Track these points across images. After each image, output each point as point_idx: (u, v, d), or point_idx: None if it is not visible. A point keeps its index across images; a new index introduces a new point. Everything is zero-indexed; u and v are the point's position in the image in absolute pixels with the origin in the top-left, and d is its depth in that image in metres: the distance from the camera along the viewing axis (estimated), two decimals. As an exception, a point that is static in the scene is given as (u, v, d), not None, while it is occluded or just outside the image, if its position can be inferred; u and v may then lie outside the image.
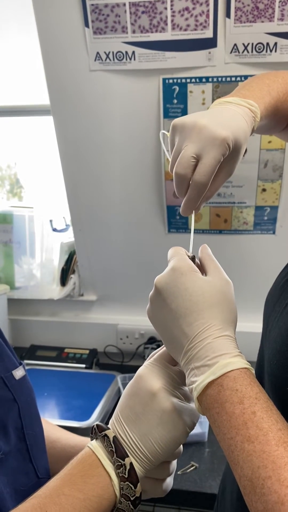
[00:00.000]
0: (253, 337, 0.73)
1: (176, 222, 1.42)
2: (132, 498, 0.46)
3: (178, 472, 1.06)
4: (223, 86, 1.21)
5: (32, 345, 1.64)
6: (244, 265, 1.47)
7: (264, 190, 1.33)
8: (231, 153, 0.52)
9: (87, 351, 1.58)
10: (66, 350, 1.60)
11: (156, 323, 0.50)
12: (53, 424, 0.76)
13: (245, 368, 0.42)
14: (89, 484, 0.46)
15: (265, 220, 1.38)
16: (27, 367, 1.51)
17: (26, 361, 1.56)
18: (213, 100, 1.23)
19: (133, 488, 0.46)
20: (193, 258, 0.52)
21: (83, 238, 1.53)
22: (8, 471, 0.56)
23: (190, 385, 0.44)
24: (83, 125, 1.33)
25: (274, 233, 1.40)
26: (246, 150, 0.56)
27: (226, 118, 0.53)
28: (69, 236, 1.64)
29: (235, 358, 0.42)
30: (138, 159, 1.35)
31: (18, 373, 0.63)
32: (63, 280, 1.63)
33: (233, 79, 1.20)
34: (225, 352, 0.43)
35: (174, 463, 0.55)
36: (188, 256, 0.51)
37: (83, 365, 1.53)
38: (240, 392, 0.40)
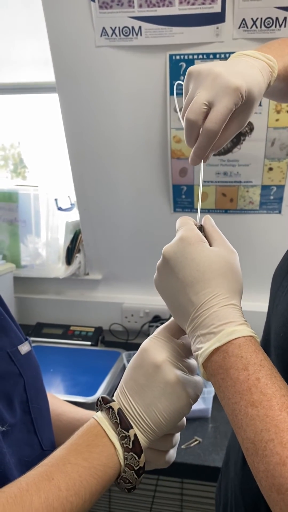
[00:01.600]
0: (258, 316, 0.74)
1: (181, 201, 1.42)
2: (136, 468, 0.48)
3: (182, 446, 1.08)
4: (230, 62, 1.19)
5: (38, 322, 1.66)
6: (250, 245, 1.47)
7: (270, 169, 1.32)
8: (244, 104, 0.52)
9: (93, 329, 1.60)
10: (72, 328, 1.62)
11: (163, 292, 0.51)
12: (59, 398, 0.78)
13: (250, 336, 0.43)
14: (94, 453, 0.47)
15: (271, 199, 1.37)
16: (33, 345, 1.54)
17: (32, 338, 1.59)
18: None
19: (137, 458, 0.48)
20: (200, 228, 0.52)
21: (88, 217, 1.53)
22: (13, 443, 0.58)
23: (196, 351, 0.45)
24: (88, 102, 1.31)
25: (280, 212, 1.39)
26: (260, 103, 0.56)
27: (241, 68, 0.53)
28: (74, 215, 1.64)
29: (241, 326, 0.43)
30: (144, 137, 1.34)
31: (24, 348, 0.64)
32: (69, 259, 1.64)
33: (241, 55, 1.18)
34: (231, 320, 0.44)
35: (177, 435, 0.56)
36: (196, 225, 0.52)
37: (89, 343, 1.55)
38: (245, 359, 0.41)
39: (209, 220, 0.53)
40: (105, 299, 1.66)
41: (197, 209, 1.44)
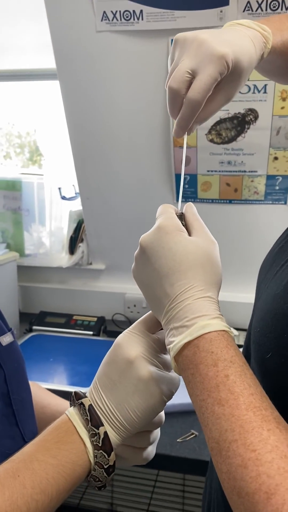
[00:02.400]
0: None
1: (185, 191, 1.39)
2: (105, 466, 0.47)
3: (178, 440, 1.07)
4: (234, 47, 1.15)
5: (42, 311, 1.66)
6: (254, 236, 1.43)
7: (276, 158, 1.28)
8: (231, 75, 0.49)
9: (95, 319, 1.60)
10: (74, 317, 1.62)
11: (140, 282, 0.49)
12: (44, 389, 0.77)
13: (223, 330, 0.41)
14: (63, 450, 0.46)
15: (277, 189, 1.34)
16: (36, 333, 1.55)
17: (35, 327, 1.59)
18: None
19: (106, 456, 0.46)
20: (181, 216, 0.50)
21: (91, 206, 1.51)
22: (-7, 435, 0.57)
23: (168, 345, 0.44)
24: (89, 89, 1.29)
25: (285, 203, 1.36)
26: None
27: (230, 36, 0.50)
28: (78, 205, 1.62)
29: (214, 320, 0.42)
30: (145, 125, 1.31)
31: (6, 339, 0.63)
32: (72, 249, 1.63)
33: (246, 39, 1.14)
34: (204, 313, 0.42)
35: (156, 432, 0.55)
36: (177, 214, 0.50)
37: (91, 332, 1.55)
38: (215, 355, 0.39)
39: (190, 208, 0.51)
40: (108, 289, 1.65)
41: (200, 199, 1.42)
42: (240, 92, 1.18)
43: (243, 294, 1.46)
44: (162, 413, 0.52)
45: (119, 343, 0.49)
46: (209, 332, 0.41)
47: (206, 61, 0.47)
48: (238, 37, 0.51)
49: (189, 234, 0.48)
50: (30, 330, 1.59)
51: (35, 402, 0.71)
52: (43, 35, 1.30)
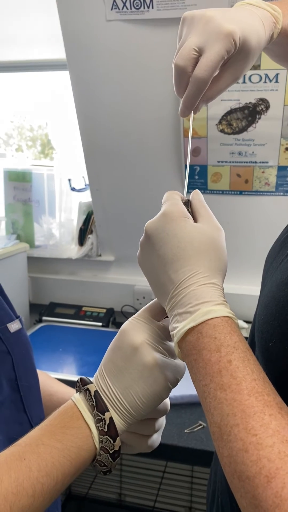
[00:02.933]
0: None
1: (194, 182, 1.38)
2: (111, 451, 0.47)
3: (186, 431, 1.07)
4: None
5: (51, 302, 1.67)
6: (265, 228, 1.42)
7: (287, 149, 1.27)
8: (239, 53, 0.48)
9: (104, 310, 1.60)
10: (84, 309, 1.63)
11: (144, 269, 0.49)
12: (52, 378, 0.77)
13: (227, 317, 0.41)
14: (68, 435, 0.46)
15: (288, 181, 1.32)
16: (45, 324, 1.56)
17: (44, 318, 1.60)
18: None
19: (112, 441, 0.46)
20: (187, 203, 0.50)
21: (100, 198, 1.51)
22: (1, 420, 0.58)
23: (172, 331, 0.44)
24: (99, 78, 1.28)
25: (297, 195, 1.34)
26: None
27: (238, 15, 0.49)
28: (88, 196, 1.62)
29: (218, 306, 0.41)
30: (155, 116, 1.31)
31: (14, 326, 0.63)
32: (81, 240, 1.63)
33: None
34: (208, 299, 0.42)
35: (161, 420, 0.55)
36: (184, 200, 0.49)
37: (100, 324, 1.55)
38: (218, 340, 0.39)
39: (197, 195, 0.51)
40: (117, 281, 1.65)
41: (210, 190, 1.41)
42: (251, 81, 1.17)
43: (254, 287, 1.45)
44: (167, 401, 0.52)
45: (124, 330, 0.49)
46: (212, 318, 0.40)
47: (213, 38, 0.47)
48: (247, 16, 0.50)
49: (196, 221, 0.48)
50: (40, 321, 1.60)
51: (43, 390, 0.71)
52: (53, 25, 1.30)
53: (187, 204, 0.49)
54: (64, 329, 1.55)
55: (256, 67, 1.14)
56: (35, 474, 0.43)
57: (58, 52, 1.41)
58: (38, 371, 0.70)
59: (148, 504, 1.72)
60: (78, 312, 1.61)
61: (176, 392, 1.11)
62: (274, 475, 0.30)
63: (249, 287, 1.45)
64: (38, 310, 1.65)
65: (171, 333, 0.44)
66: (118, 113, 1.33)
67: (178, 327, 0.42)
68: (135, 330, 0.49)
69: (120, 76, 1.27)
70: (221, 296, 0.43)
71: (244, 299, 1.40)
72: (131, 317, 0.51)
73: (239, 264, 1.45)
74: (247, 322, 1.42)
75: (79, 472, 0.47)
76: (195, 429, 1.08)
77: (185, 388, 1.12)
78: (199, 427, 1.09)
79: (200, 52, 0.47)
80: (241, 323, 1.43)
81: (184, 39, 0.49)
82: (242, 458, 0.33)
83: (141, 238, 0.48)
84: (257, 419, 0.33)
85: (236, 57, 0.49)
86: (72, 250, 1.65)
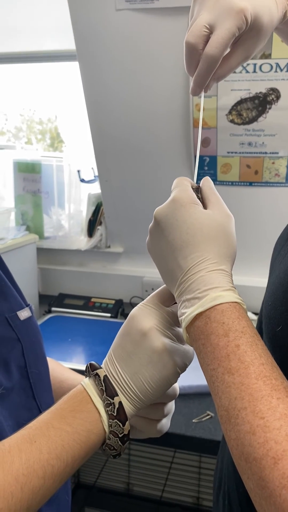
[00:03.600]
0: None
1: (204, 173, 1.38)
2: (120, 435, 0.47)
3: (194, 420, 1.08)
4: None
5: (61, 293, 1.68)
6: (275, 219, 1.41)
7: (298, 139, 1.26)
8: (250, 31, 0.48)
9: (113, 301, 1.61)
10: (92, 300, 1.63)
11: (154, 255, 0.49)
12: (62, 365, 0.78)
13: (235, 302, 0.41)
14: (78, 419, 0.47)
15: (298, 172, 1.31)
16: (54, 314, 1.57)
17: (54, 309, 1.61)
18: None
19: (121, 425, 0.47)
20: (198, 189, 0.50)
21: (110, 189, 1.51)
22: (11, 406, 0.58)
23: (181, 316, 0.44)
24: (109, 68, 1.28)
25: (307, 186, 1.33)
26: None
27: None
28: (97, 187, 1.63)
29: (226, 292, 0.42)
30: (165, 106, 1.30)
31: (24, 314, 0.64)
32: (90, 232, 1.63)
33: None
34: (217, 285, 0.42)
35: (170, 405, 0.55)
36: (193, 187, 0.49)
37: (109, 315, 1.56)
38: (226, 325, 0.39)
39: (207, 182, 0.51)
40: (126, 272, 1.65)
41: (220, 182, 1.40)
42: (261, 71, 1.16)
43: (263, 279, 1.44)
44: (176, 386, 0.53)
45: (133, 315, 0.50)
46: (220, 304, 0.41)
47: (224, 15, 0.46)
48: None
49: (205, 208, 0.48)
50: (49, 312, 1.61)
51: (53, 377, 0.72)
52: (62, 16, 1.30)
53: (197, 190, 0.49)
54: (73, 319, 1.56)
55: (267, 56, 1.13)
56: (45, 456, 0.44)
57: (67, 43, 1.40)
58: (48, 358, 0.71)
59: (156, 493, 1.74)
60: (87, 303, 1.62)
61: (184, 382, 1.12)
62: (281, 457, 0.31)
63: (258, 279, 1.44)
64: (48, 301, 1.66)
65: (180, 318, 0.44)
66: (128, 104, 1.33)
67: (187, 312, 0.42)
68: (144, 316, 0.49)
69: (130, 66, 1.26)
70: (229, 282, 0.43)
71: (253, 291, 1.40)
72: (140, 303, 0.51)
73: (248, 256, 1.44)
74: (256, 314, 1.42)
75: (88, 455, 0.48)
76: (203, 419, 1.09)
77: (193, 378, 1.13)
78: (207, 417, 1.09)
79: (211, 29, 0.47)
80: (250, 315, 1.42)
81: (195, 17, 0.49)
82: (250, 441, 0.33)
83: (151, 224, 0.48)
84: (264, 402, 0.34)
85: (248, 35, 0.48)
86: (81, 242, 1.66)
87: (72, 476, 1.80)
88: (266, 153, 1.30)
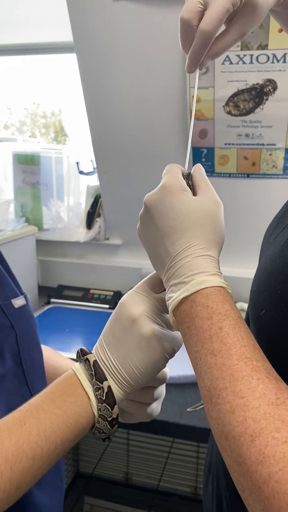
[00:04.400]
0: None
1: (201, 165, 1.38)
2: (109, 419, 0.48)
3: (188, 409, 1.09)
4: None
5: (60, 285, 1.69)
6: (273, 211, 1.41)
7: (295, 131, 1.26)
8: (245, 8, 0.48)
9: (112, 293, 1.62)
10: (91, 291, 1.65)
11: (144, 241, 0.50)
12: (57, 353, 0.79)
13: (220, 286, 0.42)
14: (68, 402, 0.48)
15: (296, 163, 1.31)
16: (54, 305, 1.58)
17: (53, 300, 1.62)
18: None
19: (110, 409, 0.48)
20: (188, 176, 0.50)
21: (108, 181, 1.52)
22: (3, 391, 0.60)
23: (168, 300, 0.45)
24: (106, 60, 1.28)
25: (304, 178, 1.33)
26: None
27: None
28: (96, 180, 1.63)
29: (212, 277, 0.42)
30: (163, 98, 1.30)
31: (18, 302, 0.65)
32: (89, 224, 1.64)
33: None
34: (203, 270, 0.43)
35: (160, 389, 0.56)
36: (185, 174, 0.50)
37: (107, 306, 1.57)
38: (210, 308, 0.40)
39: (199, 169, 0.51)
40: (124, 264, 1.66)
41: (218, 173, 1.41)
42: (258, 61, 1.16)
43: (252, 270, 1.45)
44: (166, 370, 0.54)
45: (123, 302, 0.51)
46: (206, 288, 0.42)
47: None
48: None
49: (195, 195, 0.48)
50: (48, 303, 1.63)
51: (49, 364, 0.73)
52: (60, 7, 1.30)
53: (188, 177, 0.50)
54: (71, 311, 1.57)
55: (264, 47, 1.13)
56: (34, 438, 0.45)
57: (65, 35, 1.40)
58: (44, 346, 0.72)
59: (154, 483, 1.76)
60: (85, 294, 1.63)
61: (179, 372, 1.13)
62: (259, 434, 0.31)
63: (255, 270, 1.45)
64: (47, 292, 1.67)
65: (167, 302, 0.45)
66: (125, 95, 1.33)
67: (173, 296, 0.43)
68: (133, 302, 0.50)
69: (127, 57, 1.26)
70: (215, 267, 0.44)
71: (249, 282, 1.40)
72: (131, 290, 0.52)
73: (245, 246, 1.45)
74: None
75: (78, 438, 0.49)
76: (197, 408, 1.10)
77: (188, 368, 1.14)
78: (201, 406, 1.11)
79: (205, 6, 0.47)
80: (243, 305, 1.43)
81: None
82: (229, 419, 0.34)
83: (141, 210, 0.49)
84: (244, 382, 0.35)
85: (243, 12, 0.49)
86: (80, 234, 1.67)
87: (71, 466, 1.82)
88: (263, 144, 1.30)
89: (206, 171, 1.41)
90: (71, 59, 1.53)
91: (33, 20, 1.44)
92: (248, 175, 1.37)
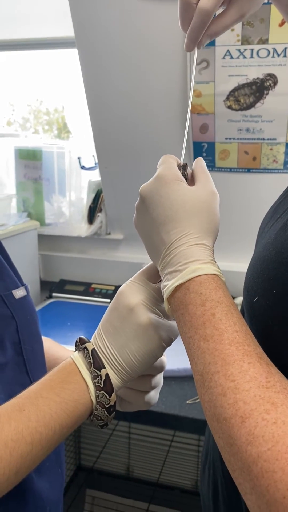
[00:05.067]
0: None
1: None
2: (107, 406, 0.49)
3: (188, 402, 1.10)
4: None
5: (61, 279, 1.70)
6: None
7: (295, 125, 1.26)
8: None
9: (113, 287, 1.63)
10: (93, 286, 1.66)
11: (140, 232, 0.51)
12: (58, 344, 0.80)
13: (214, 274, 0.43)
14: (66, 389, 0.49)
15: (296, 158, 1.32)
16: (55, 300, 1.60)
17: (54, 294, 1.63)
18: (243, 25, 1.15)
19: (107, 396, 0.49)
20: (184, 167, 0.51)
21: (109, 176, 1.52)
22: (4, 381, 0.61)
23: (163, 289, 0.46)
24: (108, 56, 1.29)
25: (305, 172, 1.34)
26: None
27: None
28: (97, 175, 1.64)
29: (206, 265, 0.43)
30: (164, 92, 1.30)
31: (19, 293, 0.66)
32: (91, 218, 1.65)
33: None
34: (197, 259, 0.44)
35: (158, 377, 0.57)
36: (179, 165, 0.51)
37: (108, 300, 1.58)
38: (203, 295, 0.41)
39: (200, 162, 0.53)
40: (126, 259, 1.67)
41: (218, 168, 1.41)
42: (259, 56, 1.16)
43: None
44: (164, 359, 0.55)
45: (121, 292, 0.52)
46: (199, 275, 0.42)
47: None
48: None
49: (193, 186, 0.49)
50: (50, 297, 1.64)
51: (49, 354, 0.74)
52: (62, 2, 1.30)
53: (183, 168, 0.51)
54: (73, 305, 1.58)
55: (264, 41, 1.13)
56: (33, 424, 0.46)
57: (67, 30, 1.41)
58: (45, 337, 0.73)
59: (155, 476, 1.77)
60: (87, 289, 1.64)
61: (179, 365, 1.14)
62: (248, 416, 0.32)
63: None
64: (49, 286, 1.68)
65: (162, 290, 0.46)
66: (127, 90, 1.33)
67: (168, 284, 0.44)
68: (131, 292, 0.51)
69: (129, 52, 1.26)
70: (209, 256, 0.44)
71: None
72: (128, 280, 0.53)
73: (247, 240, 1.45)
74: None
75: (76, 424, 0.50)
76: (197, 401, 1.11)
77: (187, 362, 1.15)
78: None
79: None
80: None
81: None
82: (221, 402, 0.35)
83: (137, 201, 0.50)
84: (236, 366, 0.35)
85: None
86: (82, 229, 1.68)
87: (73, 459, 1.84)
88: (264, 139, 1.31)
89: (207, 166, 1.42)
90: (73, 55, 1.54)
91: (35, 15, 1.44)
92: (248, 170, 1.38)
